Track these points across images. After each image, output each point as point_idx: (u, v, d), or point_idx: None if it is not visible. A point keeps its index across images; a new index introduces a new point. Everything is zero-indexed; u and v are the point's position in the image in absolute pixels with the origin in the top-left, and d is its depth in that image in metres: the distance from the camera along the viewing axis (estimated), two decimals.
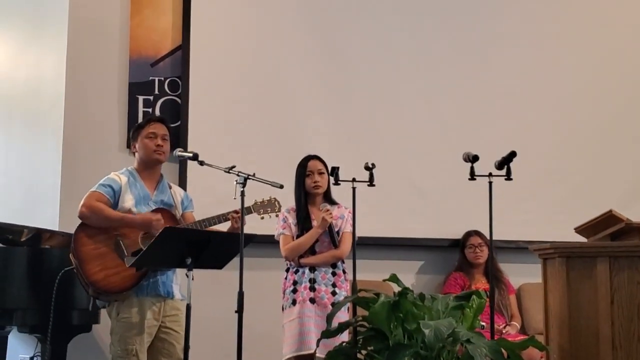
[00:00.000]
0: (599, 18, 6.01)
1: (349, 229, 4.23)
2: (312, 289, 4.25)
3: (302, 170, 4.39)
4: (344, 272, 4.35)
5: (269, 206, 4.09)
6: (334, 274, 4.32)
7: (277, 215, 4.16)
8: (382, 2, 5.75)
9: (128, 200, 3.82)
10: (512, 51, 5.86)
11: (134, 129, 4.00)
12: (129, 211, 3.80)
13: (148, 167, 3.94)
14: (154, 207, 3.87)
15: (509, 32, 5.88)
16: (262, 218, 4.08)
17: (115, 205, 3.80)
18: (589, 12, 6.02)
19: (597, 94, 5.93)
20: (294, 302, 4.25)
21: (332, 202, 4.43)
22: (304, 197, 4.38)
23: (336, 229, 4.33)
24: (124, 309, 3.73)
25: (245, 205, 3.74)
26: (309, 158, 4.42)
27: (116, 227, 3.75)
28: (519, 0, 5.95)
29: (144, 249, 3.54)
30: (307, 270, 4.29)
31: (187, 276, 3.53)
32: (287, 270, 4.38)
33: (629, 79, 5.98)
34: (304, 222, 4.33)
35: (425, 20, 5.79)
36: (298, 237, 4.32)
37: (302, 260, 4.30)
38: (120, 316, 3.73)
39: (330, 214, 4.25)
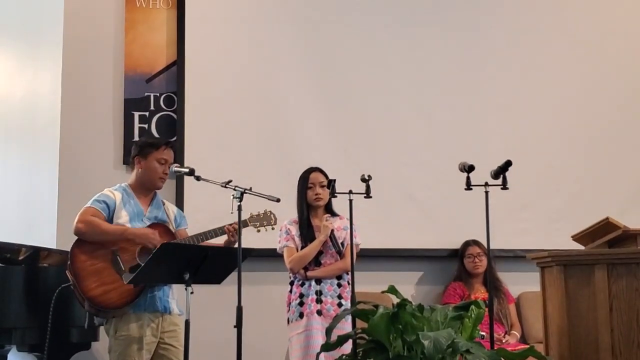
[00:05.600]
0: (594, 29, 6.03)
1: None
2: (319, 301, 4.26)
3: (304, 182, 4.42)
4: (348, 283, 4.35)
5: (264, 219, 4.09)
6: (339, 285, 4.34)
7: (272, 228, 4.15)
8: (377, 15, 5.76)
9: (122, 217, 3.81)
10: (508, 61, 5.87)
11: (144, 145, 3.93)
12: (124, 226, 3.79)
13: (144, 188, 3.94)
14: (148, 223, 3.86)
15: (503, 42, 5.89)
16: (259, 231, 4.08)
17: (109, 221, 3.80)
18: (584, 23, 6.02)
19: (592, 102, 5.94)
20: (301, 315, 4.26)
21: (334, 214, 4.45)
22: (306, 209, 4.40)
23: (340, 240, 4.34)
24: (122, 326, 3.72)
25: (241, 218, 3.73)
26: (311, 170, 4.45)
27: (113, 242, 3.73)
28: (514, 10, 5.96)
29: (142, 265, 3.53)
30: (313, 283, 4.30)
31: (187, 291, 3.53)
32: (292, 283, 4.39)
33: (625, 87, 5.99)
34: (306, 234, 4.35)
35: (420, 32, 5.79)
36: (302, 248, 4.33)
37: (310, 273, 4.31)
38: (119, 334, 3.72)
39: (331, 222, 4.27)
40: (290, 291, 4.36)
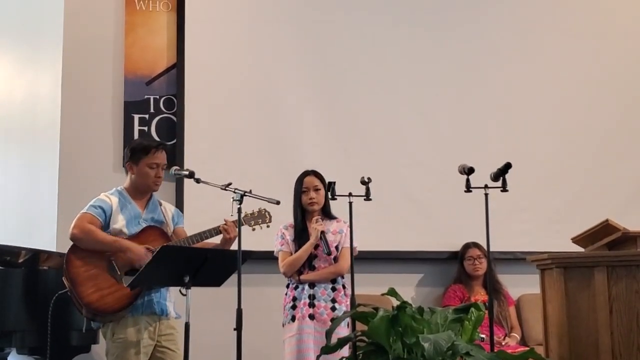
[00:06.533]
0: (594, 30, 6.04)
1: (348, 244, 4.22)
2: (312, 305, 4.25)
3: (299, 186, 4.41)
4: (343, 287, 4.35)
5: (259, 217, 4.09)
6: (333, 289, 4.32)
7: (268, 226, 4.13)
8: (377, 16, 5.76)
9: (119, 221, 3.80)
10: (507, 63, 5.88)
11: (135, 150, 3.91)
12: (120, 232, 3.79)
13: (139, 192, 3.93)
14: (144, 225, 3.85)
15: (503, 44, 5.89)
16: (254, 229, 4.06)
17: (106, 226, 3.79)
18: (584, 25, 6.03)
19: (592, 104, 5.94)
20: (293, 319, 4.25)
21: (331, 217, 4.44)
22: (301, 213, 4.40)
23: (335, 244, 4.33)
24: (119, 329, 3.71)
25: (237, 218, 3.72)
26: (306, 174, 4.44)
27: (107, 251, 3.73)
28: (513, 12, 5.96)
29: (141, 269, 3.53)
30: (306, 286, 4.30)
31: (182, 293, 3.52)
32: (288, 286, 4.39)
33: (625, 89, 6.00)
34: (300, 238, 4.34)
35: (420, 32, 5.80)
36: (296, 252, 4.32)
37: (302, 277, 4.31)
38: (116, 337, 3.71)
39: (321, 224, 4.26)
40: (286, 294, 4.37)
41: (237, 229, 3.73)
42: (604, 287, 3.39)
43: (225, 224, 3.86)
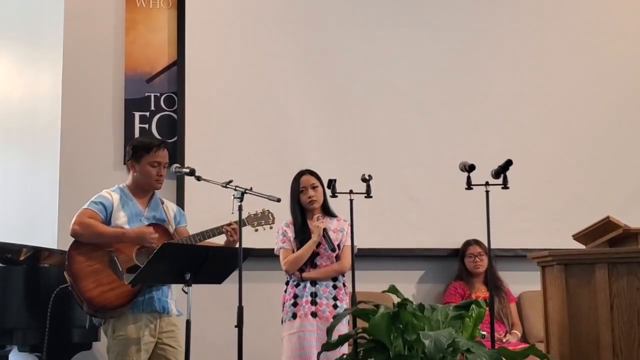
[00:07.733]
0: (594, 29, 6.03)
1: (349, 242, 4.22)
2: (314, 302, 4.26)
3: (296, 185, 4.42)
4: (344, 285, 4.37)
5: (262, 218, 4.09)
6: (334, 287, 4.33)
7: (270, 227, 4.13)
8: (377, 15, 5.76)
9: (120, 218, 3.80)
10: (508, 62, 5.87)
11: (137, 148, 3.90)
12: (121, 229, 3.78)
13: (141, 190, 3.93)
14: (146, 223, 3.85)
15: (504, 41, 5.89)
16: (256, 230, 4.06)
17: (107, 222, 3.79)
18: (586, 24, 6.02)
19: (593, 102, 5.94)
20: (294, 316, 4.25)
21: (332, 215, 4.44)
22: (300, 212, 4.40)
23: (336, 242, 4.33)
24: (120, 326, 3.71)
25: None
26: (302, 173, 4.44)
27: (110, 243, 3.73)
28: (514, 11, 5.96)
29: (143, 266, 3.53)
30: (308, 284, 4.30)
31: (184, 291, 3.53)
32: (287, 283, 4.39)
33: (625, 88, 5.99)
34: (301, 236, 4.35)
35: (420, 32, 5.80)
36: (298, 250, 4.33)
37: (305, 275, 4.31)
38: (117, 334, 3.72)
39: (322, 221, 4.27)
40: (285, 291, 4.38)
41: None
42: (604, 284, 3.39)
43: (230, 226, 3.85)
